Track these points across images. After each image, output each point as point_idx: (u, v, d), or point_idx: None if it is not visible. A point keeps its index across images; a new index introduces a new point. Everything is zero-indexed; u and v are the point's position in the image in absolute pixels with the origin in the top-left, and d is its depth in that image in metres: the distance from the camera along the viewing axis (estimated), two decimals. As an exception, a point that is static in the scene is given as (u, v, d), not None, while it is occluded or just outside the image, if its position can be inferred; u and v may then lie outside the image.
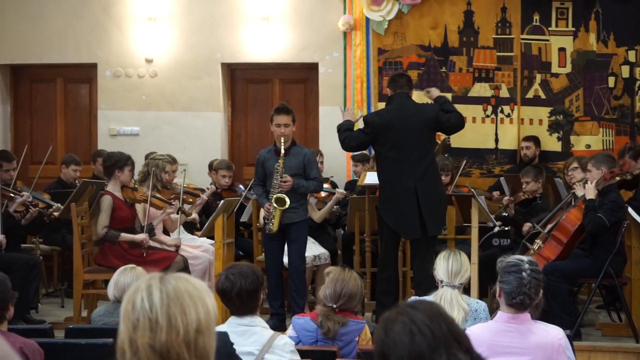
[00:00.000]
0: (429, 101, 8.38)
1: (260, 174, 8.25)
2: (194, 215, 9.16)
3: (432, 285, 7.55)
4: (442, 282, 5.29)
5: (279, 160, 8.02)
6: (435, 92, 8.24)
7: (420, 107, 8.15)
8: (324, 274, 5.34)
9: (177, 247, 8.27)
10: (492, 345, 4.13)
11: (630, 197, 8.86)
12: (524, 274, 4.18)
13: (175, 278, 2.40)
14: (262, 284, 4.63)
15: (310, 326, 4.94)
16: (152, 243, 8.23)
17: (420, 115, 7.88)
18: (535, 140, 10.41)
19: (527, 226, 8.52)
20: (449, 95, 10.64)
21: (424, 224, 7.69)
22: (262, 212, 8.29)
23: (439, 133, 10.55)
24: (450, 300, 5.18)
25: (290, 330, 5.07)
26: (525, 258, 4.29)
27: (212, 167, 10.09)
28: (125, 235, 7.98)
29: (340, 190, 9.47)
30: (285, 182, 7.97)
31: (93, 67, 11.60)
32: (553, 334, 4.23)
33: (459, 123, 8.07)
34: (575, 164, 8.81)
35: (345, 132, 8.06)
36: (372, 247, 8.84)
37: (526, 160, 10.22)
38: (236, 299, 4.45)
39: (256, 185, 8.33)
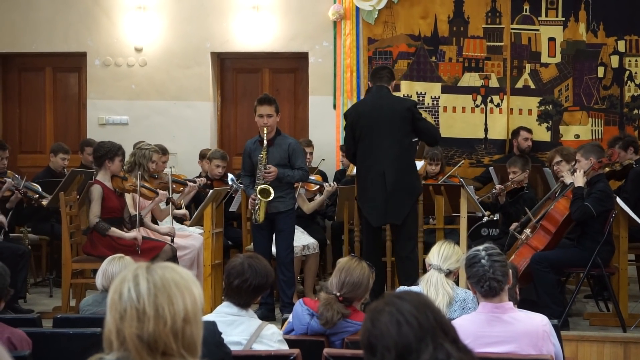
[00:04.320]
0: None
1: (247, 165, 8.25)
2: (184, 211, 9.13)
3: (412, 271, 7.63)
4: (430, 265, 5.30)
5: (262, 151, 8.02)
6: None
7: (395, 98, 8.30)
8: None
9: (172, 236, 8.18)
10: (477, 336, 4.15)
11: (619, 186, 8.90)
12: (483, 261, 4.26)
13: (162, 268, 2.40)
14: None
15: (303, 319, 4.89)
16: (144, 232, 8.20)
17: (394, 104, 7.97)
18: None
19: (514, 225, 8.46)
20: (438, 85, 10.68)
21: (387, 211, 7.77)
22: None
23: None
24: (435, 284, 5.19)
25: (291, 316, 5.04)
26: (480, 247, 4.35)
27: (206, 157, 9.99)
28: (115, 231, 7.90)
29: (333, 184, 9.37)
30: (269, 172, 7.97)
31: (82, 56, 11.55)
32: (537, 320, 4.26)
33: (434, 133, 8.14)
34: (558, 158, 8.78)
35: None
36: (361, 236, 8.83)
37: (528, 150, 10.22)
38: (236, 288, 4.44)
39: (244, 176, 8.33)
